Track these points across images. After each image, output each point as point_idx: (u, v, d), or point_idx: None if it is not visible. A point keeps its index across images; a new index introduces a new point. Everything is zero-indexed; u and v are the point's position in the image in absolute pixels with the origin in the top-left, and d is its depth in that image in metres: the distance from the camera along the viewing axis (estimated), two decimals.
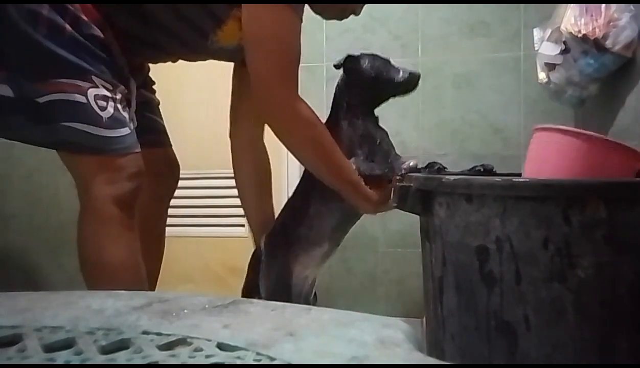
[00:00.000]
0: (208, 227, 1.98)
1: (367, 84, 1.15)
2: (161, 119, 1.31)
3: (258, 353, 0.36)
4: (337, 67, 1.18)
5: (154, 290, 1.19)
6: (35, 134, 0.96)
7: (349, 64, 1.16)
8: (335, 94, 1.20)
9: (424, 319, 0.91)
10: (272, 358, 0.36)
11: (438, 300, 0.83)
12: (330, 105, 1.20)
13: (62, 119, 0.94)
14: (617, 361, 0.66)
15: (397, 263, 1.84)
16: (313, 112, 1.03)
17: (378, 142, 1.13)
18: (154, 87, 1.31)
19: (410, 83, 1.16)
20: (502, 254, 0.71)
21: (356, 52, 1.19)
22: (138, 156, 1.02)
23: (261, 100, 1.01)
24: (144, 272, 1.03)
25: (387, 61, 1.18)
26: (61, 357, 0.36)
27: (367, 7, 1.16)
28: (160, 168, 1.26)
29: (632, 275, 0.65)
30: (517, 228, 0.69)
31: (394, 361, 0.36)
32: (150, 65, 1.27)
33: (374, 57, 1.17)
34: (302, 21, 0.98)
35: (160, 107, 1.32)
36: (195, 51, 1.12)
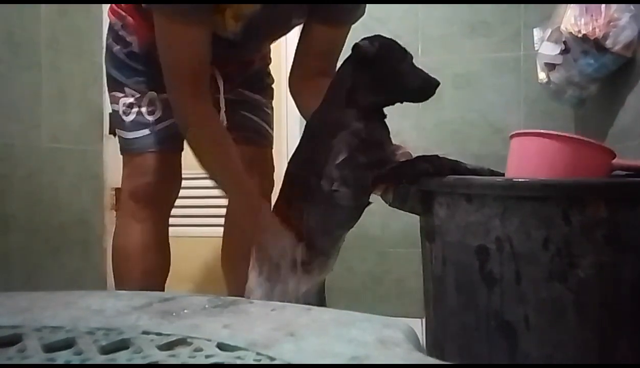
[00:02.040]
0: (208, 227, 1.98)
1: (377, 79, 0.97)
2: (263, 118, 1.29)
3: (258, 353, 0.36)
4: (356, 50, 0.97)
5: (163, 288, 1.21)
6: None
7: (370, 47, 0.95)
8: (340, 79, 1.00)
9: (424, 319, 0.91)
10: (272, 358, 0.35)
11: (438, 300, 0.83)
12: (329, 93, 1.01)
13: (114, 126, 1.20)
14: (617, 361, 0.66)
15: (397, 263, 1.84)
16: (210, 112, 1.03)
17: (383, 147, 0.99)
18: (266, 88, 1.30)
19: (422, 94, 0.99)
20: (502, 254, 0.71)
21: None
22: (155, 156, 1.13)
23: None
24: (153, 264, 1.15)
25: (407, 56, 0.98)
26: (61, 357, 0.36)
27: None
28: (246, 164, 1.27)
29: (633, 275, 0.65)
30: (517, 228, 0.69)
31: (394, 361, 0.36)
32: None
33: (394, 45, 0.98)
34: (205, 27, 0.96)
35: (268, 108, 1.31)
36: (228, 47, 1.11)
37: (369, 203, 0.96)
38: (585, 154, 0.82)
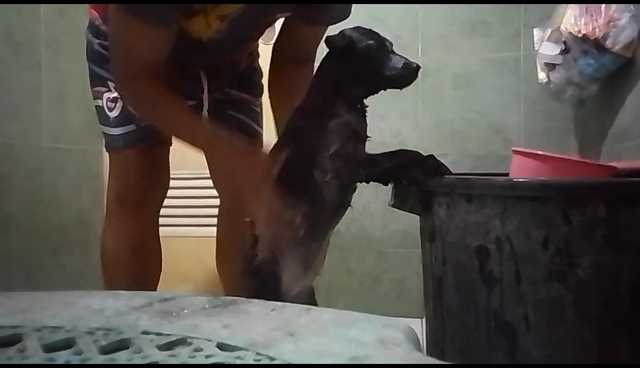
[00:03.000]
0: (208, 227, 1.98)
1: (359, 67, 0.96)
2: (251, 117, 1.27)
3: (258, 353, 0.36)
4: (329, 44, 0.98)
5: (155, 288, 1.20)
6: None
7: (341, 40, 0.96)
8: (322, 73, 1.00)
9: (424, 319, 0.91)
10: (272, 358, 0.35)
11: (438, 300, 0.83)
12: (314, 86, 1.01)
13: (99, 122, 1.13)
14: (617, 361, 0.66)
15: (397, 263, 1.84)
16: (164, 89, 0.98)
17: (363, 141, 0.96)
18: (254, 86, 1.28)
19: (403, 79, 0.97)
20: (502, 254, 0.71)
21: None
22: (140, 152, 1.09)
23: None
24: (141, 267, 1.12)
25: (384, 45, 0.97)
26: (61, 357, 0.36)
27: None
28: None
29: (632, 275, 0.65)
30: (517, 228, 0.69)
31: (394, 361, 0.36)
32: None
33: (370, 35, 0.97)
34: (171, 30, 0.93)
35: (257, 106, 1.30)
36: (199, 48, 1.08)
37: (350, 205, 0.96)
38: (585, 174, 0.82)
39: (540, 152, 0.84)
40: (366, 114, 1.00)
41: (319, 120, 0.95)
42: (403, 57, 0.98)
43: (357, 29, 0.98)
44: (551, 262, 0.67)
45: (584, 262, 0.66)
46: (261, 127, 1.30)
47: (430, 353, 0.84)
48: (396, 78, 0.96)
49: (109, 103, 1.09)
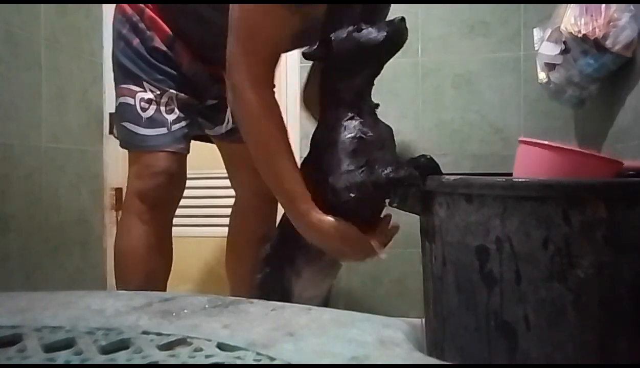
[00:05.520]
0: (208, 227, 1.98)
1: (350, 61, 0.93)
2: None
3: (258, 353, 0.36)
4: (308, 56, 0.97)
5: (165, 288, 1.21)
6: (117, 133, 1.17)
7: (321, 52, 0.94)
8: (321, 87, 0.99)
9: (424, 319, 0.91)
10: (272, 358, 0.35)
11: (438, 300, 0.83)
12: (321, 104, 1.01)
13: (121, 119, 1.14)
14: (617, 361, 0.66)
15: (397, 263, 1.83)
16: (275, 102, 0.96)
17: (379, 145, 0.92)
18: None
19: (395, 38, 0.92)
20: (502, 254, 0.71)
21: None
22: (168, 155, 1.12)
23: (228, 80, 0.98)
24: (156, 266, 1.14)
25: (357, 26, 0.93)
26: (61, 357, 0.36)
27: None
28: (245, 162, 1.24)
29: (632, 275, 0.65)
30: (517, 228, 0.69)
31: (394, 361, 0.36)
32: None
33: (343, 29, 0.94)
34: (296, 14, 0.93)
35: None
36: None
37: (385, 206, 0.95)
38: (593, 166, 0.81)
39: (546, 142, 0.83)
40: (376, 114, 0.97)
41: (327, 137, 0.94)
42: (383, 22, 0.93)
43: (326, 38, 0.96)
44: (551, 262, 0.67)
45: (584, 262, 0.66)
46: None
47: (430, 353, 0.84)
48: (384, 43, 0.91)
49: (142, 103, 1.10)
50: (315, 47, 0.94)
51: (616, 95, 1.25)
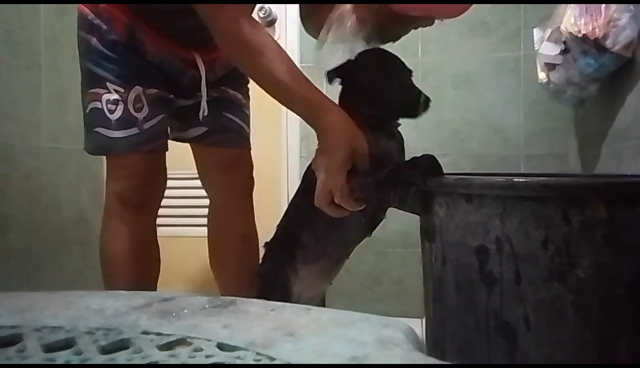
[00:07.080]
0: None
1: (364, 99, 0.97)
2: (243, 120, 1.28)
3: (258, 353, 0.36)
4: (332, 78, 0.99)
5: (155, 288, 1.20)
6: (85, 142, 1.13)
7: (342, 72, 0.98)
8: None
9: (424, 319, 0.91)
10: (272, 358, 0.35)
11: (438, 300, 0.83)
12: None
13: (93, 125, 1.09)
14: (617, 361, 0.66)
15: (397, 263, 1.84)
16: (266, 33, 0.93)
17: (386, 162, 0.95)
18: (244, 85, 1.28)
19: (410, 110, 0.99)
20: (502, 254, 0.71)
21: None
22: (144, 156, 1.08)
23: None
24: (142, 268, 1.12)
25: (396, 69, 0.98)
26: (61, 357, 0.36)
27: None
28: (228, 165, 1.26)
29: (632, 275, 0.65)
30: (517, 228, 0.69)
31: (393, 361, 0.36)
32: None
33: (378, 60, 0.99)
34: None
35: (247, 109, 1.30)
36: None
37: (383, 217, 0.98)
38: None
39: None
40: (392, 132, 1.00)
41: None
42: (417, 87, 0.99)
43: (367, 52, 1.00)
44: (551, 262, 0.67)
45: (584, 262, 0.66)
46: (249, 128, 1.32)
47: (430, 353, 0.84)
48: (398, 105, 0.97)
49: (109, 105, 1.05)
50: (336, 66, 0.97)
51: (616, 95, 1.25)
